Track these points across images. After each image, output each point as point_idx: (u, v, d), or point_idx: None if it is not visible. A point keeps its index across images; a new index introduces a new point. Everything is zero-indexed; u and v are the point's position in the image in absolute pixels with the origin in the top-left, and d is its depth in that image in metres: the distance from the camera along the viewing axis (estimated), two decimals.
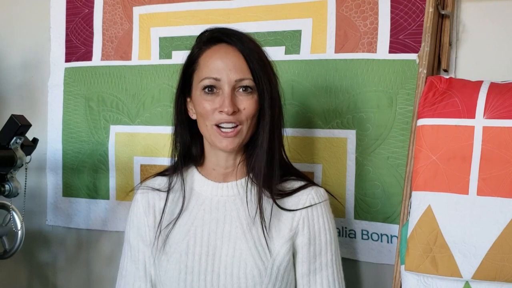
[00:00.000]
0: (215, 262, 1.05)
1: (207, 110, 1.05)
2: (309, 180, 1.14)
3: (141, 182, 1.20)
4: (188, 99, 1.11)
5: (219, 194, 1.10)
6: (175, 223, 1.09)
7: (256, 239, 1.05)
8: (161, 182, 1.15)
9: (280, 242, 1.06)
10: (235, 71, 1.03)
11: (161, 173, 1.18)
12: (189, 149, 1.13)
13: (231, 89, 1.03)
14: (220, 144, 1.05)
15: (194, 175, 1.14)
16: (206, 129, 1.06)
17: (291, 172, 1.15)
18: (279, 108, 1.09)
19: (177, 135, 1.12)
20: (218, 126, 1.05)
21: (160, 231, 1.10)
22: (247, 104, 1.04)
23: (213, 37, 1.08)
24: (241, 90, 1.04)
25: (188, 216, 1.10)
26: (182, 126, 1.12)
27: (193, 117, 1.11)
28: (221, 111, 1.03)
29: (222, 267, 1.04)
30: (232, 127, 1.04)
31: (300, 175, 1.15)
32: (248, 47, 1.05)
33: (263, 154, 1.06)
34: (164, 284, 1.08)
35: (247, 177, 1.10)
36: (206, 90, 1.05)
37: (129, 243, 1.15)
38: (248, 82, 1.04)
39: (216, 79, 1.04)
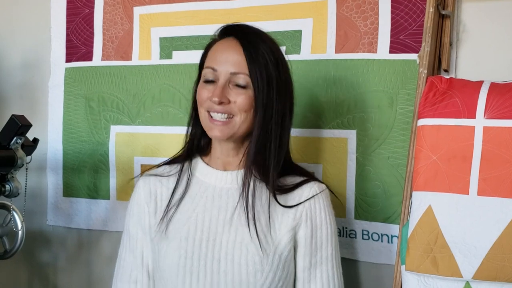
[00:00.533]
0: (215, 248, 1.05)
1: (203, 97, 1.08)
2: (311, 176, 1.15)
3: (143, 172, 1.20)
4: None
5: (222, 182, 1.11)
6: (176, 207, 1.10)
7: (258, 227, 1.05)
8: (164, 169, 1.17)
9: (283, 231, 1.07)
10: (232, 64, 1.06)
11: (165, 163, 1.19)
12: (198, 142, 1.16)
13: (226, 81, 1.06)
14: (211, 131, 1.08)
15: (198, 164, 1.15)
16: (201, 116, 1.10)
17: (294, 169, 1.15)
18: (282, 104, 1.10)
19: (189, 124, 1.15)
20: (210, 114, 1.07)
21: (163, 215, 1.10)
22: (238, 98, 1.06)
23: (225, 30, 1.12)
24: (236, 85, 1.06)
25: (191, 202, 1.11)
26: (196, 117, 1.13)
27: None
28: (211, 100, 1.06)
29: (222, 253, 1.04)
30: (224, 118, 1.06)
31: (303, 173, 1.16)
32: (253, 45, 1.06)
33: (253, 144, 1.07)
34: (163, 270, 1.07)
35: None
36: (207, 79, 1.08)
37: (128, 232, 1.15)
38: (243, 77, 1.05)
39: (214, 69, 1.07)
